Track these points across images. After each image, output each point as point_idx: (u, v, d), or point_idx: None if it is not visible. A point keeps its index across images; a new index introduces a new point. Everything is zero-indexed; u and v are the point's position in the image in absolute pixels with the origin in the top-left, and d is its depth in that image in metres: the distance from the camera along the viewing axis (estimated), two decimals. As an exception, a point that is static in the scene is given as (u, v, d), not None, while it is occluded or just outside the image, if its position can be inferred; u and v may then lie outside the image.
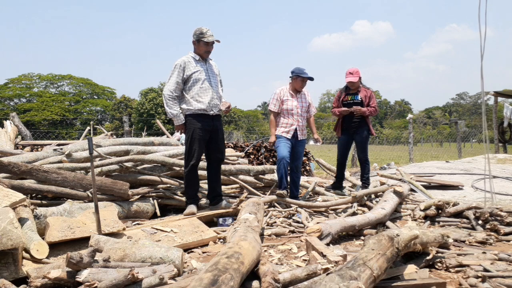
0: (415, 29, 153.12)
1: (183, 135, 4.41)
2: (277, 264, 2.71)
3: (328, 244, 3.01)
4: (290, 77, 4.79)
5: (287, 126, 4.71)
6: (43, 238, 2.69)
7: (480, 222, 3.67)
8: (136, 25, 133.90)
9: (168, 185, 4.35)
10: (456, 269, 2.54)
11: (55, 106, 37.85)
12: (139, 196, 4.02)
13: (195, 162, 3.94)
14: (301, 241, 3.29)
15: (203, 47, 3.98)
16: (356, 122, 5.26)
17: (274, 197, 4.33)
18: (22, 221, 2.67)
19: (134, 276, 1.92)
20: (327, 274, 1.85)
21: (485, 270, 2.46)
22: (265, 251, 3.03)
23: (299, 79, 4.69)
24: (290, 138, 4.69)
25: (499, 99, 16.03)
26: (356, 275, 1.78)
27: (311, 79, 4.72)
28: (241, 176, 4.90)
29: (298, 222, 3.88)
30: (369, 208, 4.37)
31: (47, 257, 2.50)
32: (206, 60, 4.09)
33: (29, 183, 3.48)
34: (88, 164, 3.99)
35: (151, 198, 4.12)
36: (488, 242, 3.22)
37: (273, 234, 3.50)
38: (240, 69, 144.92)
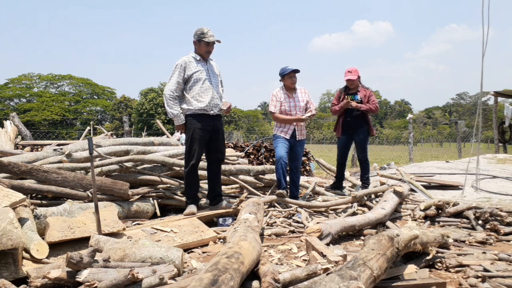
0: (415, 29, 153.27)
1: (183, 135, 4.41)
2: (277, 264, 2.71)
3: (328, 244, 3.01)
4: (280, 80, 4.79)
5: (285, 127, 4.71)
6: (43, 238, 2.69)
7: (480, 222, 3.67)
8: (136, 25, 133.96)
9: (168, 185, 4.35)
10: (456, 269, 2.54)
11: (55, 106, 37.86)
12: (139, 196, 4.02)
13: (195, 162, 3.94)
14: (301, 241, 3.29)
15: (204, 47, 3.98)
16: (356, 121, 5.26)
17: (274, 197, 4.33)
18: (22, 221, 2.67)
19: (134, 276, 1.92)
20: (327, 274, 1.85)
21: (485, 270, 2.46)
22: (265, 251, 3.03)
23: (286, 77, 4.67)
24: (288, 138, 4.68)
25: (499, 99, 16.04)
26: (356, 275, 1.78)
27: (296, 71, 4.68)
28: (241, 176, 4.90)
29: (298, 222, 3.87)
30: (369, 208, 4.37)
31: (47, 257, 2.50)
32: (207, 60, 4.09)
33: (29, 183, 3.48)
34: (88, 164, 4.00)
35: (151, 198, 4.11)
36: (488, 242, 3.22)
37: (273, 234, 3.50)
38: (240, 69, 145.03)
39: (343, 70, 5.42)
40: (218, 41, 4.00)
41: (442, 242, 2.83)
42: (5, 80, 40.84)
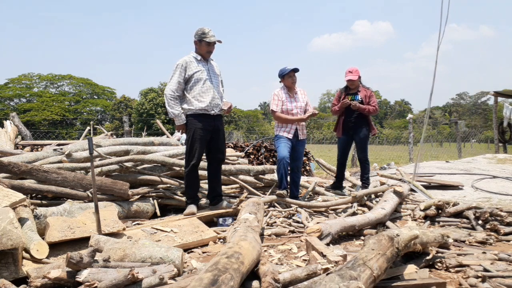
0: (415, 29, 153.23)
1: (183, 135, 4.41)
2: (277, 264, 2.71)
3: (328, 244, 3.01)
4: (280, 81, 4.81)
5: (288, 126, 4.71)
6: (43, 238, 2.69)
7: (480, 222, 3.67)
8: (136, 25, 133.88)
9: (168, 185, 4.35)
10: (456, 269, 2.54)
11: (55, 106, 37.85)
12: (139, 196, 4.02)
13: (196, 162, 3.94)
14: (301, 241, 3.29)
15: (205, 47, 3.98)
16: (356, 121, 5.26)
17: (274, 197, 4.33)
18: (22, 221, 2.67)
19: (134, 276, 1.92)
20: (327, 274, 1.85)
21: (485, 270, 2.46)
22: (265, 251, 3.03)
23: (286, 77, 4.70)
24: (291, 138, 4.69)
25: (499, 99, 16.05)
26: (356, 275, 1.78)
27: (295, 70, 4.70)
28: (241, 176, 4.90)
29: (298, 222, 3.88)
30: (369, 208, 4.37)
31: (47, 257, 2.50)
32: (207, 60, 4.09)
33: (29, 183, 3.48)
34: (88, 164, 4.00)
35: (151, 198, 4.12)
36: (488, 242, 3.22)
37: (273, 234, 3.50)
38: (240, 69, 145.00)
39: (343, 70, 5.42)
40: (219, 41, 4.01)
41: (442, 242, 2.83)
42: (5, 80, 40.88)
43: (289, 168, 4.74)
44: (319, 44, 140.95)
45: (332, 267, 2.18)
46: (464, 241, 3.23)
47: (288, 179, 4.79)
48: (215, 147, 4.13)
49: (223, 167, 4.51)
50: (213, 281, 1.58)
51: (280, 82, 4.81)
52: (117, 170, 4.24)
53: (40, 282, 2.07)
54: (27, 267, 2.34)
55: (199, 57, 4.03)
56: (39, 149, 5.99)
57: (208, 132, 4.01)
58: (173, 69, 3.98)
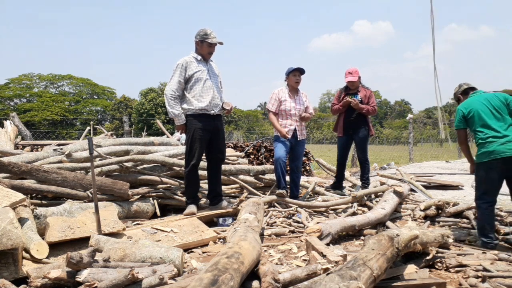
0: (415, 29, 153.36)
1: (183, 135, 4.41)
2: (277, 264, 2.71)
3: (328, 244, 3.01)
4: (285, 80, 4.81)
5: (286, 127, 4.71)
6: (43, 238, 2.69)
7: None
8: (136, 25, 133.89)
9: (168, 185, 4.35)
10: (456, 269, 2.54)
11: (55, 106, 37.83)
12: (139, 196, 4.02)
13: (195, 162, 3.94)
14: (301, 241, 3.29)
15: (206, 48, 3.99)
16: (356, 121, 5.26)
17: (274, 197, 4.33)
18: (22, 221, 2.67)
19: (134, 276, 1.92)
20: (327, 274, 1.85)
21: (485, 270, 2.46)
22: (265, 251, 3.03)
23: (291, 75, 4.71)
24: (289, 138, 4.68)
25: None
26: (356, 275, 1.78)
27: (300, 69, 4.70)
28: (241, 176, 4.90)
29: (298, 222, 3.88)
30: (369, 208, 4.37)
31: (47, 257, 2.50)
32: (207, 61, 4.10)
33: (29, 183, 3.48)
34: (88, 164, 4.00)
35: (151, 198, 4.12)
36: (488, 242, 3.22)
37: (273, 234, 3.50)
38: (240, 69, 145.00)
39: (343, 70, 5.42)
40: (221, 43, 4.01)
41: (442, 242, 2.83)
42: (5, 80, 40.83)
43: (288, 168, 4.74)
44: (319, 44, 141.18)
45: (332, 267, 2.18)
46: (464, 241, 3.23)
47: (287, 178, 4.79)
48: (215, 147, 4.13)
49: (223, 167, 4.51)
50: (213, 281, 1.58)
51: (285, 80, 4.82)
52: (117, 170, 4.24)
53: (40, 282, 2.07)
54: (27, 267, 2.34)
55: (199, 57, 4.04)
56: (39, 149, 5.99)
57: (208, 132, 4.01)
58: (173, 68, 3.98)
